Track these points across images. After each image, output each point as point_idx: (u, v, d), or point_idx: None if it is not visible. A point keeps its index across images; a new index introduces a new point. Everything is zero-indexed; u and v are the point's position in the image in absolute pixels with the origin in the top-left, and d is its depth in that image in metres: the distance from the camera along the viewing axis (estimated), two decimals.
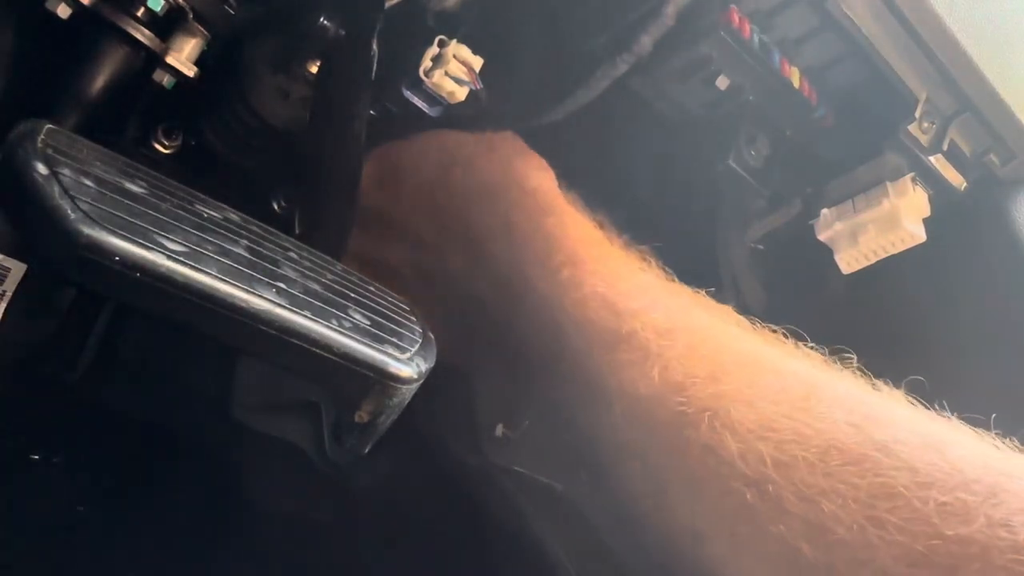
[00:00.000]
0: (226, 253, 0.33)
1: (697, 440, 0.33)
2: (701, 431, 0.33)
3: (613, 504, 0.39)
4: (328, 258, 0.41)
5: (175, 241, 0.31)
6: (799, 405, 0.33)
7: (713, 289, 0.41)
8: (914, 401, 0.33)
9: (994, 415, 0.33)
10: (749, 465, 0.31)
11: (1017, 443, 0.32)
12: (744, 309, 0.58)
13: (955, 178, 0.51)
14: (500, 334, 0.42)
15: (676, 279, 0.41)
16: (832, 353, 0.37)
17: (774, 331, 0.37)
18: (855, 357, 0.35)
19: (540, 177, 0.46)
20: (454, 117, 0.48)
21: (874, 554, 0.28)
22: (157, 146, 0.47)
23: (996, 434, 0.32)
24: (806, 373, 0.35)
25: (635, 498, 0.35)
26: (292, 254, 0.38)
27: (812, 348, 0.36)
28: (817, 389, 0.34)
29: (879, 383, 0.34)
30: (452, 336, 0.42)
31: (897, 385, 0.36)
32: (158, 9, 0.42)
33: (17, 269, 0.39)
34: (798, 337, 0.38)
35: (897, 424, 0.32)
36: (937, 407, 0.34)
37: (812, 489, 0.30)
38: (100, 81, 0.42)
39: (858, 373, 0.35)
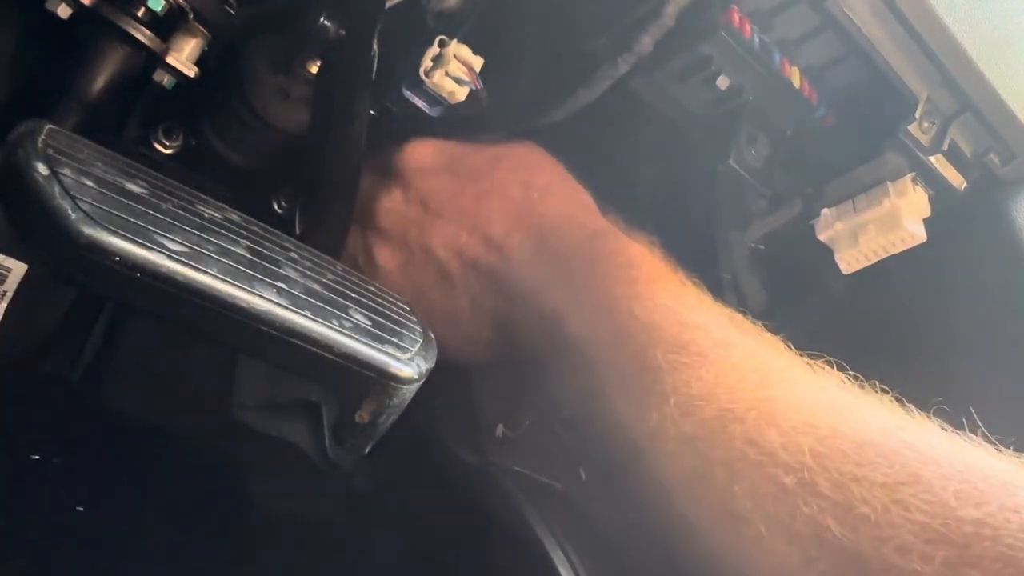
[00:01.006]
0: (227, 253, 0.33)
1: (742, 433, 0.36)
2: (747, 425, 0.36)
3: (627, 498, 0.41)
4: (328, 258, 0.41)
5: (176, 241, 0.31)
6: (839, 413, 0.36)
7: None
8: (943, 426, 0.36)
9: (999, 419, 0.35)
10: (790, 454, 0.34)
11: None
12: (744, 309, 0.58)
13: (955, 178, 0.51)
14: (559, 343, 0.44)
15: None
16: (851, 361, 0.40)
17: (819, 359, 0.40)
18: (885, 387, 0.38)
19: (603, 217, 0.49)
20: (454, 117, 0.48)
21: (896, 531, 0.31)
22: (157, 146, 0.47)
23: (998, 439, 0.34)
24: (847, 391, 0.38)
25: (675, 483, 0.38)
26: (292, 254, 0.38)
27: (853, 376, 0.39)
28: (855, 402, 0.37)
29: (911, 409, 0.37)
30: (472, 332, 0.47)
31: (897, 387, 0.38)
32: (158, 9, 0.42)
33: (17, 269, 0.39)
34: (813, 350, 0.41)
35: (928, 432, 0.35)
36: (934, 412, 0.36)
37: (844, 476, 0.33)
38: (100, 81, 0.42)
39: (890, 400, 0.38)
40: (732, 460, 0.36)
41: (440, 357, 0.43)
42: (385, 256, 0.48)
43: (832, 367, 0.40)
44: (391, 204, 0.49)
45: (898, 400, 0.38)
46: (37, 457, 0.48)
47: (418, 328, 0.39)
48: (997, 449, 0.34)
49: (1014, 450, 0.34)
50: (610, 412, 0.41)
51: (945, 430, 0.36)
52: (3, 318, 0.38)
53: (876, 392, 0.38)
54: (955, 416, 0.36)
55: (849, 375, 0.39)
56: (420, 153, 0.49)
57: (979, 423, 0.35)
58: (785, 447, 0.34)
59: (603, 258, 0.45)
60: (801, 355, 0.41)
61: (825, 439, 0.34)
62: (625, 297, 0.42)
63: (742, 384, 0.38)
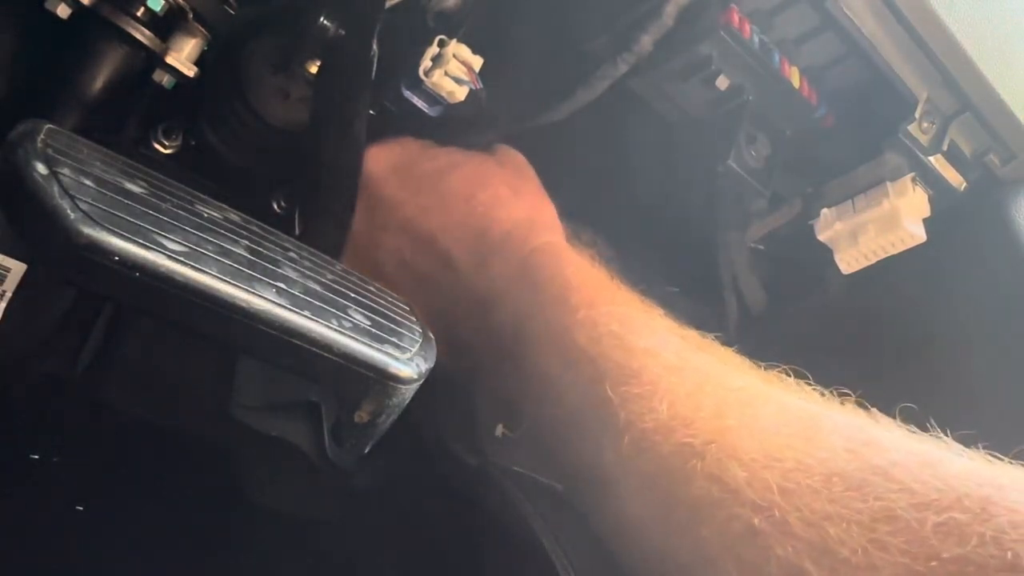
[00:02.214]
0: (226, 253, 0.33)
1: (703, 469, 0.34)
2: (707, 461, 0.34)
3: (602, 533, 0.39)
4: (328, 258, 0.41)
5: (175, 241, 0.31)
6: (800, 436, 0.34)
7: (721, 335, 0.42)
8: (905, 427, 0.35)
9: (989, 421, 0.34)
10: (756, 491, 0.32)
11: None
12: (744, 309, 0.58)
13: (955, 178, 0.51)
14: (507, 364, 0.43)
15: (687, 326, 0.42)
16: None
17: (775, 369, 0.39)
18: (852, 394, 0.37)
19: (556, 227, 0.48)
20: (454, 117, 0.48)
21: (878, 574, 0.29)
22: (157, 146, 0.47)
23: (985, 446, 0.33)
24: (805, 407, 0.37)
25: (642, 522, 0.36)
26: (292, 254, 0.38)
27: (813, 388, 0.38)
28: (816, 420, 0.35)
29: (874, 411, 0.36)
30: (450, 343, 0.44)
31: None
32: (158, 9, 0.42)
33: (17, 269, 0.39)
34: (797, 364, 0.40)
35: (893, 447, 0.33)
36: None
37: (816, 514, 0.31)
38: (100, 81, 0.42)
39: (853, 405, 0.37)
40: (695, 499, 0.34)
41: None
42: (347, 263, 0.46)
43: (789, 375, 0.38)
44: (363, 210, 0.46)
45: (860, 404, 0.37)
46: (37, 457, 0.48)
47: (417, 328, 0.39)
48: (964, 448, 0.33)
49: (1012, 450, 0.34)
50: (569, 448, 0.40)
51: (910, 433, 0.34)
52: (2, 318, 0.38)
53: (836, 399, 0.37)
54: (955, 423, 0.35)
55: (808, 382, 0.38)
56: (374, 158, 0.47)
57: (980, 426, 0.35)
58: (750, 483, 0.33)
59: (543, 283, 0.43)
60: (758, 366, 0.39)
61: (790, 473, 0.33)
62: (569, 327, 0.40)
63: (699, 414, 0.36)
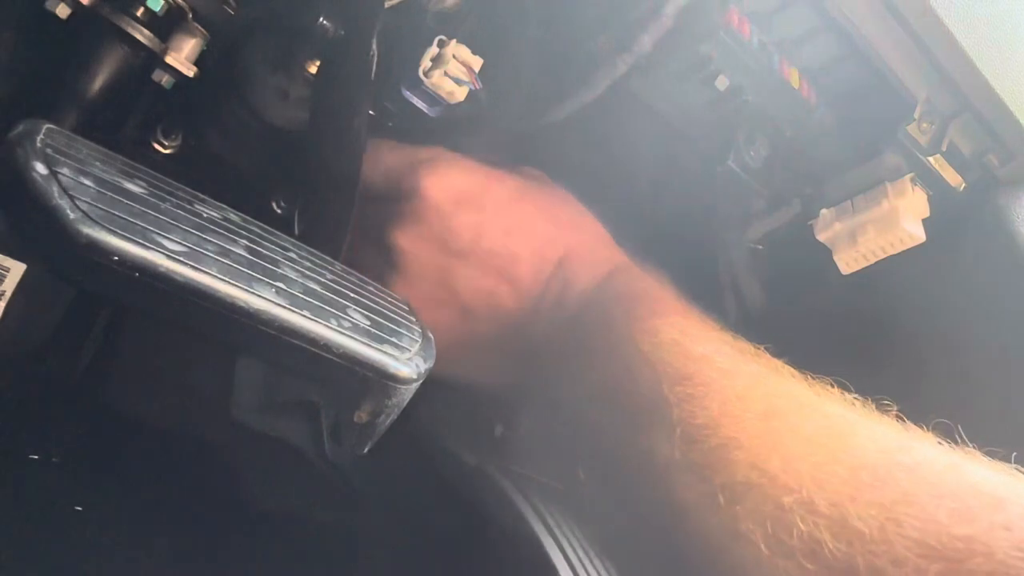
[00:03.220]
0: (226, 253, 0.33)
1: (745, 459, 0.38)
2: (750, 452, 0.38)
3: (642, 523, 0.43)
4: (328, 258, 0.41)
5: (174, 241, 0.31)
6: (837, 436, 0.38)
7: (770, 345, 0.44)
8: (941, 440, 0.38)
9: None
10: (789, 477, 0.36)
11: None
12: (743, 309, 0.58)
13: (954, 178, 0.51)
14: (572, 371, 0.46)
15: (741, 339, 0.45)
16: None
17: (821, 380, 0.42)
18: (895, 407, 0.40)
19: (616, 248, 0.51)
20: (453, 117, 0.48)
21: (890, 546, 0.32)
22: (156, 146, 0.47)
23: (985, 446, 0.36)
24: (845, 414, 0.40)
25: (686, 505, 0.39)
26: (292, 254, 0.38)
27: (855, 398, 0.41)
28: (854, 426, 0.39)
29: (910, 425, 0.39)
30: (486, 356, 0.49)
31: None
32: (157, 9, 0.42)
33: (17, 269, 0.39)
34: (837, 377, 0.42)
35: (922, 450, 0.37)
36: (933, 413, 0.38)
37: (840, 496, 0.34)
38: (99, 81, 0.42)
39: (894, 419, 0.40)
40: (735, 483, 0.37)
41: (451, 380, 0.45)
42: (400, 291, 0.47)
43: (833, 387, 0.41)
44: (409, 244, 0.47)
45: (899, 417, 0.39)
46: (36, 457, 0.48)
47: (417, 328, 0.39)
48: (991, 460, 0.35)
49: (1013, 452, 0.34)
50: (623, 444, 0.42)
51: (941, 444, 0.37)
52: (2, 318, 0.38)
53: (876, 410, 0.40)
54: (954, 423, 0.37)
55: (852, 393, 0.40)
56: (437, 186, 0.47)
57: (979, 426, 0.36)
58: (785, 470, 0.36)
59: (618, 298, 0.47)
60: (804, 376, 0.42)
61: (822, 464, 0.36)
62: (634, 334, 0.44)
63: (746, 414, 0.39)
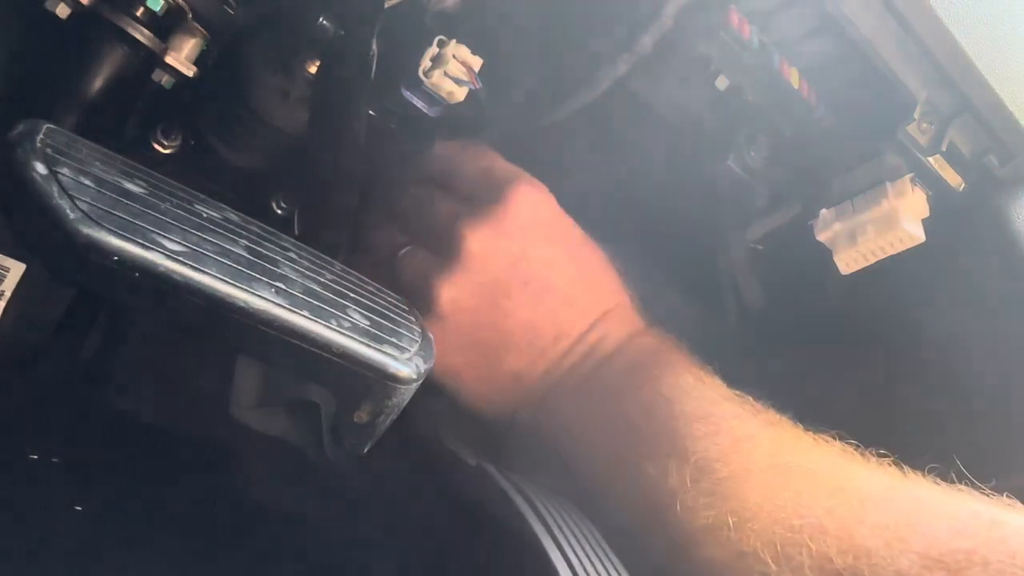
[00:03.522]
0: (225, 253, 0.33)
1: (754, 489, 0.41)
2: (761, 483, 0.41)
3: (649, 549, 0.44)
4: (327, 258, 0.41)
5: (174, 241, 0.31)
6: (844, 473, 0.41)
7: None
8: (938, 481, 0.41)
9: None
10: (801, 506, 0.39)
11: None
12: (743, 309, 0.58)
13: (954, 179, 0.51)
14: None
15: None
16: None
17: (824, 433, 0.44)
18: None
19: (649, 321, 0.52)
20: (453, 117, 0.48)
21: (894, 560, 0.35)
22: (156, 146, 0.47)
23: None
24: (850, 459, 0.42)
25: (696, 532, 0.41)
26: (291, 254, 0.38)
27: (855, 446, 0.43)
28: (859, 468, 0.42)
29: (907, 470, 0.42)
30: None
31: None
32: (157, 9, 0.42)
33: (16, 269, 0.39)
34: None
35: (923, 487, 0.40)
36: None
37: (849, 520, 0.38)
38: (99, 81, 0.42)
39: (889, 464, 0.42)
40: (744, 508, 0.40)
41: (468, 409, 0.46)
42: (446, 286, 0.47)
43: (835, 439, 0.43)
44: (479, 246, 0.46)
45: (896, 464, 0.42)
46: (36, 457, 0.48)
47: (417, 328, 0.39)
48: (985, 495, 0.39)
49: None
50: (635, 475, 0.44)
51: (939, 483, 0.40)
52: (2, 317, 0.38)
53: (874, 457, 0.42)
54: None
55: (849, 443, 0.43)
56: (532, 200, 0.48)
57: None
58: (796, 500, 0.39)
59: (644, 351, 0.49)
60: (807, 431, 0.44)
61: (832, 495, 0.39)
62: (653, 379, 0.46)
63: (756, 452, 0.42)
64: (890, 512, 0.37)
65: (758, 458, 0.42)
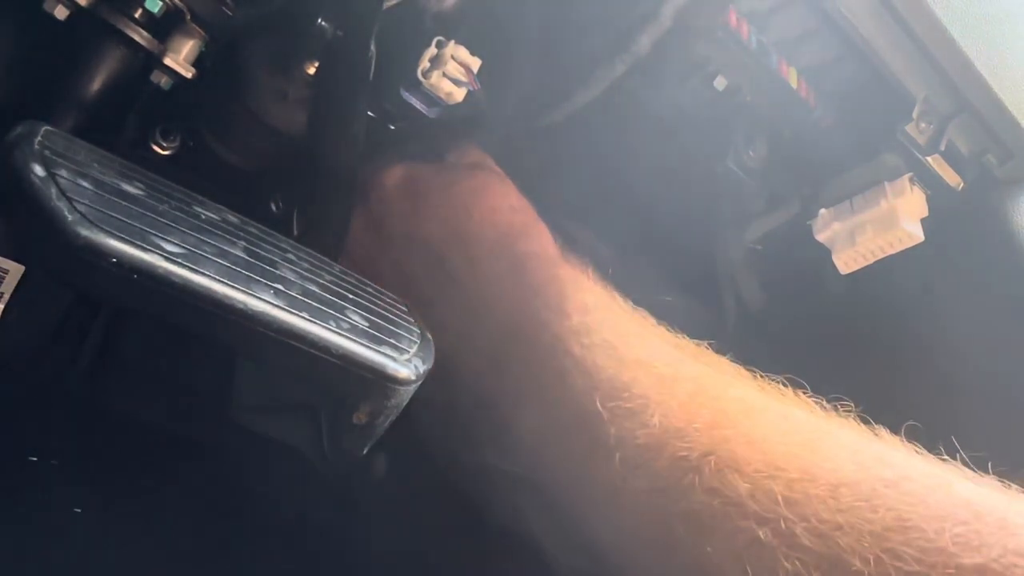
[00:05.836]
0: (224, 255, 0.33)
1: (700, 483, 0.33)
2: (705, 474, 0.33)
3: (593, 553, 0.38)
4: (326, 259, 0.41)
5: (173, 243, 0.31)
6: (804, 446, 0.33)
7: (714, 342, 0.41)
8: (917, 448, 0.34)
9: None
10: (760, 503, 0.32)
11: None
12: (742, 309, 0.58)
13: (952, 178, 0.51)
14: (498, 370, 0.42)
15: (681, 334, 0.41)
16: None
17: (774, 381, 0.38)
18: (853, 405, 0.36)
19: (549, 238, 0.47)
20: (452, 118, 0.48)
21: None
22: (155, 147, 0.47)
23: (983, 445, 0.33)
24: (807, 418, 0.36)
25: (639, 540, 0.36)
26: (290, 255, 0.38)
27: (813, 399, 0.37)
28: (820, 431, 0.35)
29: (880, 430, 0.35)
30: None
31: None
32: (156, 10, 0.42)
33: (15, 270, 0.39)
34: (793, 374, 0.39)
35: (902, 463, 0.33)
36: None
37: (826, 524, 0.30)
38: (98, 82, 0.42)
39: (858, 421, 0.36)
40: (695, 514, 0.33)
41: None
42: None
43: (787, 386, 0.38)
44: (354, 233, 0.47)
45: (862, 419, 0.36)
46: (35, 458, 0.48)
47: (416, 329, 0.39)
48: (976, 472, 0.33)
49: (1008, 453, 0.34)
50: (558, 463, 0.39)
51: (920, 453, 0.34)
52: (1, 319, 0.38)
53: (837, 411, 0.36)
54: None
55: (806, 392, 0.37)
56: (390, 175, 0.49)
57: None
58: (753, 495, 0.32)
59: (536, 287, 0.42)
60: (753, 374, 0.38)
61: (795, 483, 0.32)
62: (562, 334, 0.40)
63: (693, 425, 0.35)
64: (874, 511, 0.30)
65: (695, 437, 0.35)
